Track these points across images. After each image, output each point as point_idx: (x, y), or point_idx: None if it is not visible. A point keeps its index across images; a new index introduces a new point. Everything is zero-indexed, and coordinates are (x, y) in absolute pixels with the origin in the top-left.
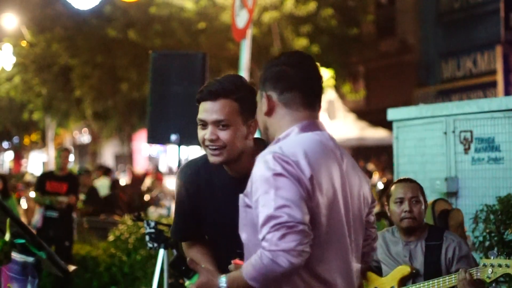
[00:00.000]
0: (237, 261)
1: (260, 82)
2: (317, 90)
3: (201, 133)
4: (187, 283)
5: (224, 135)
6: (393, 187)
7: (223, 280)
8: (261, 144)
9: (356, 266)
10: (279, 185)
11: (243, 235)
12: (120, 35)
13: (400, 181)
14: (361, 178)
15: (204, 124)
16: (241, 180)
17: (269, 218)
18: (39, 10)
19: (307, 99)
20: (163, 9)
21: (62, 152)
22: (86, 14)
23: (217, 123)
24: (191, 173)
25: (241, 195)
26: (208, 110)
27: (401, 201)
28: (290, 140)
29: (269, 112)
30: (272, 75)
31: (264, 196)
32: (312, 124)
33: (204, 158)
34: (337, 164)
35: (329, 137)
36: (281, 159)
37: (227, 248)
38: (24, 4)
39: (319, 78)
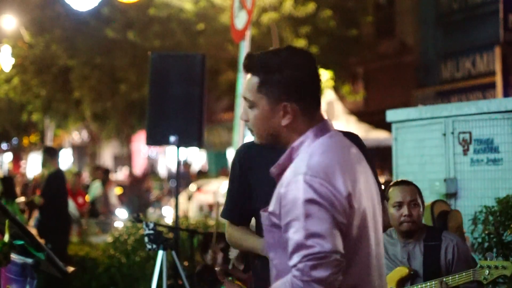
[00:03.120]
0: None
1: (268, 85)
2: (320, 88)
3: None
4: None
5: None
6: (391, 190)
7: None
8: None
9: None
10: (311, 212)
11: (270, 254)
12: (119, 36)
13: (397, 183)
14: (369, 172)
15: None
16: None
17: (300, 246)
18: (38, 11)
19: (317, 100)
20: (162, 10)
21: (43, 152)
22: (85, 15)
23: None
24: (244, 148)
25: (265, 214)
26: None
27: (399, 204)
28: (312, 152)
29: (290, 123)
30: (285, 81)
31: (295, 222)
32: (324, 126)
33: None
34: (361, 166)
35: (342, 135)
36: (313, 182)
37: None
38: (23, 5)
39: (319, 74)
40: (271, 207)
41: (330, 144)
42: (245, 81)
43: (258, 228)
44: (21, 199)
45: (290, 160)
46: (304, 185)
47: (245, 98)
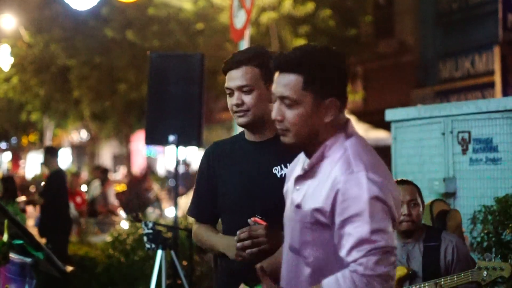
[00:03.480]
0: (257, 219)
1: (314, 82)
2: None
3: (229, 101)
4: None
5: (248, 99)
6: None
7: None
8: None
9: None
10: (376, 209)
11: (305, 252)
12: (118, 35)
13: (397, 183)
14: None
15: (231, 92)
16: (258, 145)
17: (363, 241)
18: (37, 11)
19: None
20: (161, 9)
21: (44, 152)
22: (84, 15)
23: (241, 88)
24: (213, 144)
25: (309, 210)
26: (232, 78)
27: None
28: (357, 151)
29: (332, 119)
30: (329, 78)
31: (357, 218)
32: (351, 125)
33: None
34: None
35: None
36: (376, 179)
37: (244, 215)
38: (22, 5)
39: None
40: (316, 204)
41: (365, 143)
42: (279, 81)
43: (227, 226)
44: (22, 198)
45: (322, 158)
46: (368, 182)
47: (283, 97)
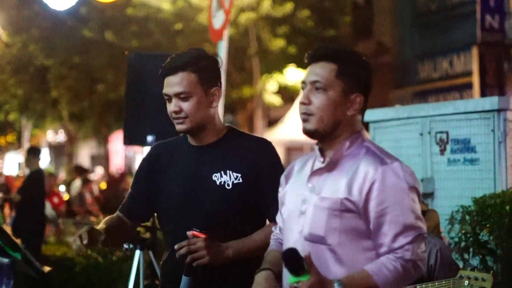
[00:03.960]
0: (195, 233)
1: (346, 73)
2: None
3: (168, 107)
4: (290, 279)
5: (186, 106)
6: None
7: (336, 284)
8: (233, 131)
9: None
10: (414, 198)
11: (329, 239)
12: (96, 36)
13: None
14: None
15: (169, 98)
16: (200, 149)
17: (409, 228)
18: (15, 11)
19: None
20: (140, 10)
21: (27, 152)
22: (62, 15)
23: (178, 95)
24: (155, 146)
25: (338, 199)
26: (169, 84)
27: None
28: (379, 148)
29: (353, 114)
30: (360, 74)
31: (397, 206)
32: (364, 129)
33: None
34: None
35: None
36: (410, 172)
37: (182, 221)
38: (0, 5)
39: None
40: (346, 194)
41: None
42: (311, 70)
43: (168, 234)
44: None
45: (341, 155)
46: (404, 173)
47: (315, 81)
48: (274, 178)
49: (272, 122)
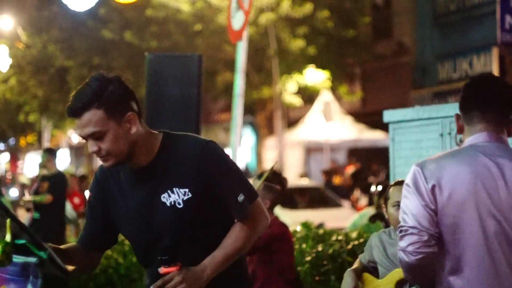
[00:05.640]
0: (166, 269)
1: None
2: (493, 107)
3: (88, 145)
4: None
5: (103, 144)
6: (391, 190)
7: None
8: (167, 141)
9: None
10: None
11: None
12: (116, 36)
13: (397, 183)
14: None
15: (84, 138)
16: (140, 172)
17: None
18: (35, 12)
19: (484, 116)
20: (159, 10)
21: (44, 153)
22: (82, 16)
23: (91, 136)
24: (102, 168)
25: None
26: (79, 126)
27: (399, 204)
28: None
29: (459, 131)
30: (460, 97)
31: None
32: (481, 136)
33: None
34: (479, 172)
35: (492, 147)
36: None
37: (146, 248)
38: (20, 6)
39: (497, 96)
40: None
41: (462, 150)
42: None
43: (133, 249)
44: (28, 198)
45: None
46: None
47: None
48: (225, 177)
49: (291, 122)
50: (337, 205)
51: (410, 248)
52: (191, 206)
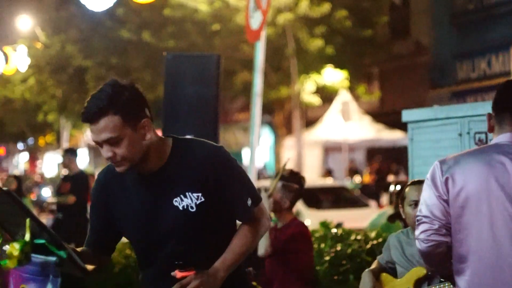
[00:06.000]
0: (181, 273)
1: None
2: None
3: (101, 151)
4: None
5: (118, 150)
6: (407, 189)
7: None
8: (177, 146)
9: None
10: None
11: None
12: (134, 36)
13: (414, 183)
14: None
15: (99, 144)
16: (150, 176)
17: None
18: (53, 12)
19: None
20: (177, 10)
21: (65, 153)
22: (100, 16)
23: (107, 142)
24: (105, 171)
25: None
26: (94, 132)
27: (416, 203)
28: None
29: (490, 130)
30: (493, 98)
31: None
32: (506, 136)
33: None
34: (493, 167)
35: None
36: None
37: (153, 252)
38: (38, 6)
39: None
40: None
41: (482, 148)
42: None
43: (135, 250)
44: (51, 199)
45: None
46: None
47: None
48: (235, 182)
49: (309, 122)
50: (364, 205)
51: (422, 236)
52: (203, 210)
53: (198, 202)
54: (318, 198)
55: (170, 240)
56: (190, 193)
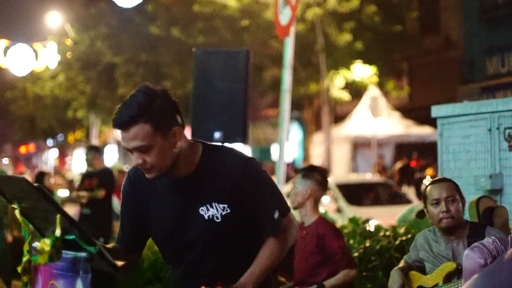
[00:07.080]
0: None
1: None
2: None
3: (131, 157)
4: None
5: (148, 157)
6: (428, 189)
7: None
8: (207, 154)
9: None
10: None
11: None
12: (163, 32)
13: (434, 182)
14: None
15: (129, 150)
16: (179, 182)
17: None
18: (83, 8)
19: None
20: (206, 6)
21: (89, 150)
22: (129, 12)
23: (137, 149)
24: (135, 169)
25: None
26: (125, 139)
27: (437, 202)
28: None
29: None
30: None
31: None
32: None
33: None
34: None
35: None
36: None
37: (178, 257)
38: (68, 3)
39: None
40: None
41: None
42: None
43: (161, 252)
44: (83, 193)
45: None
46: None
47: None
48: (263, 195)
49: (338, 118)
50: (407, 201)
51: None
52: (228, 221)
53: (224, 213)
54: (360, 194)
55: (196, 247)
56: (216, 204)
